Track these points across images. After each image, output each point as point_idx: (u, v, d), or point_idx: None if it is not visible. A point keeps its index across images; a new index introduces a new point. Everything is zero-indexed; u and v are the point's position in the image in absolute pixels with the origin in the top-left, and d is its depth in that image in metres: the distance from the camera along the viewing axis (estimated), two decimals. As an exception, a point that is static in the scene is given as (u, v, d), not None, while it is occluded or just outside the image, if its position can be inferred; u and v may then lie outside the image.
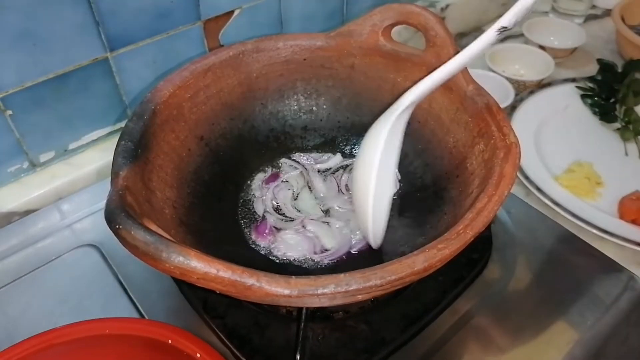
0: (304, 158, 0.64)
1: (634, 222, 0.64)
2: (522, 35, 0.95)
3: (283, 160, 0.64)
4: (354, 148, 0.65)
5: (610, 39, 1.00)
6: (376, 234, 0.51)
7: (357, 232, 0.56)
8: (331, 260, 0.54)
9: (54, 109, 0.62)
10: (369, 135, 0.51)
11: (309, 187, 0.62)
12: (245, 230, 0.57)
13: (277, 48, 0.59)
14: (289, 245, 0.55)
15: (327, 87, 0.62)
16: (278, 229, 0.57)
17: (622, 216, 0.65)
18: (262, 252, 0.55)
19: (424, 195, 0.55)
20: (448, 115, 0.54)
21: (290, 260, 0.54)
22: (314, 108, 0.64)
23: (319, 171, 0.63)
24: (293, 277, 0.34)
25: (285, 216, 0.59)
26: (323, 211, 0.59)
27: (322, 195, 0.61)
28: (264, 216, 0.58)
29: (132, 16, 0.62)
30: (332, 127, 0.64)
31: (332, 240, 0.55)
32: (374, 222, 0.49)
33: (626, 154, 0.75)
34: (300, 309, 0.48)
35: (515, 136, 0.45)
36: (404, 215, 0.56)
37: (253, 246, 0.55)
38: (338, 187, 0.61)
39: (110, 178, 0.42)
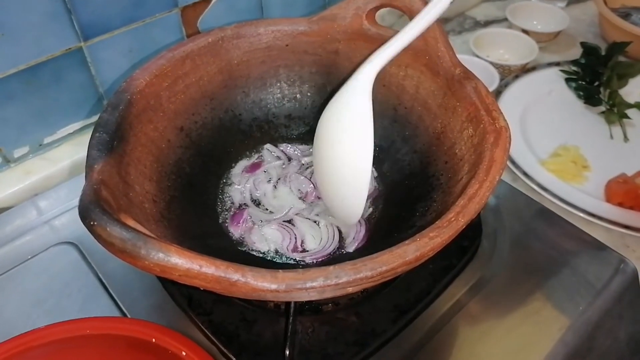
0: (290, 149, 0.63)
1: (620, 204, 0.64)
2: (505, 19, 0.95)
3: (267, 146, 0.62)
4: (339, 136, 0.63)
5: (592, 22, 0.99)
6: (350, 215, 0.49)
7: (351, 234, 0.54)
8: (313, 259, 0.53)
9: (26, 102, 0.60)
10: (334, 111, 0.49)
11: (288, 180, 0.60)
12: (225, 223, 0.56)
13: (258, 34, 0.57)
14: (267, 239, 0.54)
15: (311, 73, 0.61)
16: (257, 222, 0.55)
17: (609, 199, 0.65)
18: (244, 247, 0.53)
19: (412, 182, 0.54)
20: (435, 101, 0.53)
21: (271, 256, 0.53)
22: (298, 95, 0.62)
23: (302, 164, 0.62)
24: (280, 271, 0.33)
25: (266, 209, 0.57)
26: (304, 206, 0.57)
27: (299, 190, 0.59)
28: (240, 206, 0.57)
29: (106, 3, 0.59)
30: (317, 115, 0.62)
31: (316, 240, 0.54)
32: (349, 198, 0.48)
33: (611, 137, 0.75)
34: (288, 303, 0.47)
35: (504, 120, 0.44)
36: (393, 204, 0.55)
37: (235, 240, 0.54)
38: (314, 186, 0.59)
39: (86, 172, 0.40)
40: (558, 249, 0.56)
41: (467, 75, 0.49)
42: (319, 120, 0.51)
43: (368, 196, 0.57)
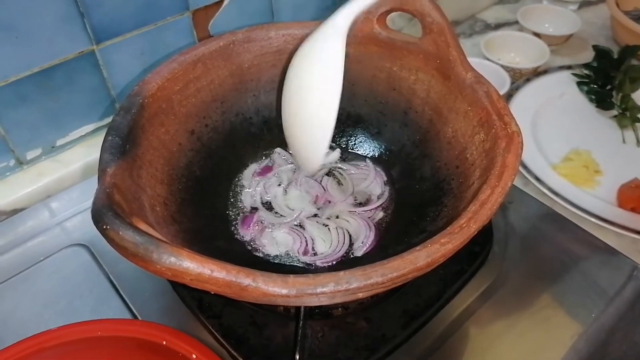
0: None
1: (633, 210, 0.63)
2: (516, 22, 0.94)
3: (278, 150, 0.63)
4: (349, 140, 0.63)
5: (605, 25, 0.98)
6: (311, 159, 0.50)
7: (360, 238, 0.54)
8: (324, 263, 0.53)
9: (39, 105, 0.60)
10: (306, 52, 0.49)
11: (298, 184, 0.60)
12: (235, 226, 0.56)
13: (269, 37, 0.57)
14: (278, 242, 0.54)
15: (321, 77, 0.61)
16: (267, 225, 0.55)
17: (621, 204, 0.64)
18: (254, 250, 0.53)
19: (422, 187, 0.54)
20: (446, 105, 0.52)
21: (281, 259, 0.53)
22: (308, 99, 0.62)
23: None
24: (291, 276, 0.33)
25: (276, 212, 0.57)
26: (315, 210, 0.58)
27: (310, 194, 0.59)
28: (251, 209, 0.57)
29: (118, 7, 0.60)
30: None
31: (327, 244, 0.54)
32: (309, 146, 0.48)
33: (624, 141, 0.74)
34: (298, 307, 0.47)
35: (516, 125, 0.43)
36: (403, 208, 0.55)
37: (246, 243, 0.54)
38: (325, 190, 0.59)
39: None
40: (570, 254, 0.56)
41: (479, 79, 0.49)
42: (291, 62, 0.50)
43: (380, 202, 0.57)
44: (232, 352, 0.47)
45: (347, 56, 0.58)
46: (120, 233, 0.32)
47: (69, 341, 0.45)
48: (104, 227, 0.33)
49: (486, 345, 0.48)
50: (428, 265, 0.35)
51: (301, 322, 0.46)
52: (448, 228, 0.36)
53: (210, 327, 0.48)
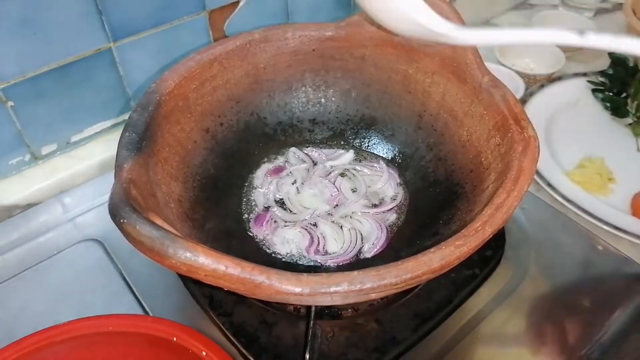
0: (315, 153, 0.63)
1: (646, 219, 0.62)
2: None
3: (292, 149, 0.63)
4: (363, 142, 0.63)
5: (621, 33, 0.98)
6: None
7: (371, 239, 0.54)
8: (335, 263, 0.53)
9: (56, 101, 0.61)
10: None
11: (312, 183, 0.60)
12: (248, 224, 0.56)
13: (286, 38, 0.57)
14: (290, 240, 0.54)
15: (336, 78, 0.61)
16: (280, 223, 0.56)
17: (635, 213, 0.64)
18: (266, 248, 0.53)
19: (436, 190, 0.54)
20: (462, 108, 0.52)
21: (293, 258, 0.53)
22: (323, 100, 0.62)
23: (327, 168, 0.62)
24: (304, 274, 0.33)
25: (290, 211, 0.57)
26: (328, 209, 0.57)
27: (323, 193, 0.59)
28: (264, 208, 0.57)
29: (136, 5, 0.60)
30: (341, 120, 0.63)
31: (338, 244, 0.54)
32: None
33: (638, 149, 0.74)
34: (309, 307, 0.47)
35: (533, 129, 0.43)
36: (416, 211, 0.55)
37: (258, 241, 0.54)
38: (339, 190, 0.59)
39: (113, 171, 0.40)
40: (583, 261, 0.55)
41: (495, 83, 0.49)
42: None
43: (394, 204, 0.57)
44: (242, 350, 0.47)
45: (364, 58, 0.59)
46: (137, 227, 0.32)
47: (80, 335, 0.45)
48: (121, 221, 0.33)
49: (497, 350, 0.48)
50: (442, 267, 0.35)
51: (311, 322, 0.46)
52: (463, 231, 0.36)
53: (220, 325, 0.48)
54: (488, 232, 0.36)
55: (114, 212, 0.34)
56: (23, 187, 0.62)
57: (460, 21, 0.49)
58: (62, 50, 0.58)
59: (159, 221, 0.35)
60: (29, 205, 0.62)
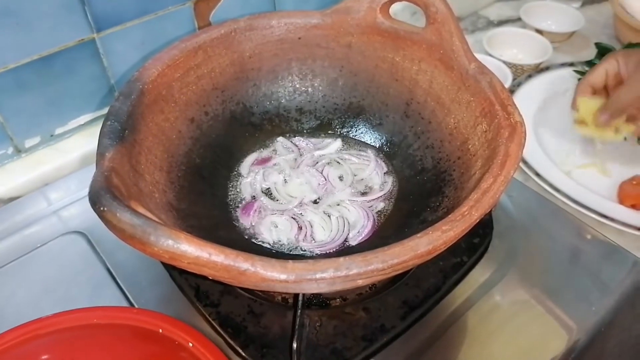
0: (303, 142, 0.62)
1: (633, 207, 0.63)
2: (519, 19, 0.94)
3: (280, 139, 0.62)
4: (350, 130, 0.63)
5: (607, 24, 0.98)
6: None
7: (357, 227, 0.54)
8: (323, 250, 0.52)
9: (39, 92, 0.60)
10: None
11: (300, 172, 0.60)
12: (235, 213, 0.55)
13: (271, 26, 0.57)
14: (277, 229, 0.54)
15: (323, 67, 0.60)
16: (267, 212, 0.55)
17: (621, 201, 0.64)
18: (253, 238, 0.53)
19: (424, 178, 0.54)
20: (449, 95, 0.52)
21: (280, 246, 0.53)
22: (310, 89, 0.62)
23: (315, 157, 0.61)
24: (290, 261, 0.33)
25: (277, 200, 0.57)
26: (315, 198, 0.57)
27: (311, 182, 0.59)
28: (251, 197, 0.57)
29: (119, -5, 0.59)
30: (328, 109, 0.62)
31: (326, 232, 0.54)
32: None
33: (624, 138, 0.74)
34: (296, 296, 0.47)
35: (520, 115, 0.43)
36: (404, 199, 0.55)
37: (245, 231, 0.54)
38: (326, 179, 0.59)
39: (96, 162, 0.39)
40: (570, 248, 0.56)
41: (482, 70, 0.48)
42: None
43: (382, 193, 0.56)
44: (229, 340, 0.46)
45: (350, 46, 0.59)
46: (118, 215, 0.31)
47: (65, 328, 0.44)
48: (101, 208, 0.32)
49: (485, 337, 0.48)
50: (429, 252, 0.35)
51: (299, 311, 0.46)
52: (450, 215, 0.36)
53: (207, 316, 0.48)
54: (475, 216, 0.36)
55: (94, 200, 0.33)
56: (6, 180, 0.61)
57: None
58: (44, 40, 0.57)
59: (141, 209, 0.34)
60: (11, 199, 0.61)
